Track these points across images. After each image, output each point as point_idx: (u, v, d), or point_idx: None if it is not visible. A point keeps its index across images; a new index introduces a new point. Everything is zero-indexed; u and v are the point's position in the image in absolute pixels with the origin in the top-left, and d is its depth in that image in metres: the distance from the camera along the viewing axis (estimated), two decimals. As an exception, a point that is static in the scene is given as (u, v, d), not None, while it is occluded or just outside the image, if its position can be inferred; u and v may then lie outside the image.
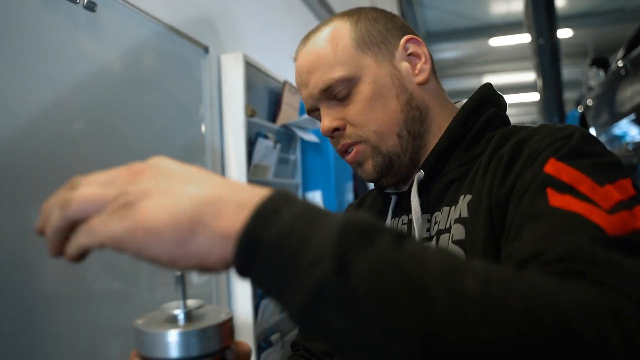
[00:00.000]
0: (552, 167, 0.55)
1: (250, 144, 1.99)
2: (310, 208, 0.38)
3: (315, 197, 2.59)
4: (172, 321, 0.51)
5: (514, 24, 8.71)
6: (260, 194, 0.38)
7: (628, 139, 4.72)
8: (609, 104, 5.21)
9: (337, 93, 0.74)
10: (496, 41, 10.04)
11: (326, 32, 0.75)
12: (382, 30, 0.76)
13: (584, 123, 6.05)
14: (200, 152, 1.83)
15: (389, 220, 0.78)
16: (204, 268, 0.38)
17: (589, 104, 5.88)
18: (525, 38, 6.83)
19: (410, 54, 0.77)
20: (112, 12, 1.39)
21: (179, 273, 0.52)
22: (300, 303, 0.34)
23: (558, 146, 0.57)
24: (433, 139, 0.76)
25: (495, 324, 0.33)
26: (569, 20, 8.73)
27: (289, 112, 2.38)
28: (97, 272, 1.28)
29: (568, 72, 10.57)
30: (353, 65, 0.73)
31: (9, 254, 1.04)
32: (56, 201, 0.42)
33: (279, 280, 0.35)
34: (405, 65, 0.76)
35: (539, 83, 6.54)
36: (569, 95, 10.85)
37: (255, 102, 2.11)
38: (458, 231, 0.65)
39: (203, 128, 1.85)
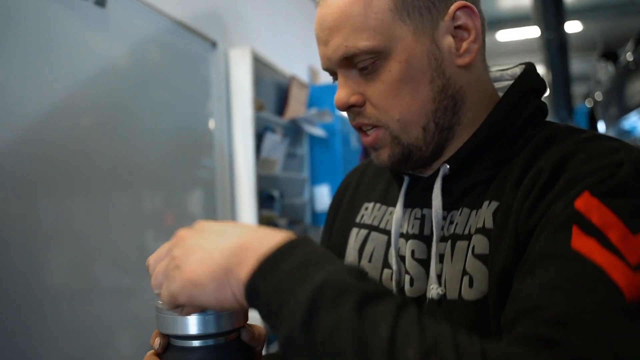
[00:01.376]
0: (584, 203, 0.49)
1: (258, 138, 2.01)
2: (305, 260, 0.44)
3: (323, 191, 2.60)
4: None
5: (522, 17, 8.66)
6: (274, 243, 0.45)
7: (637, 133, 4.71)
8: (618, 97, 5.19)
9: (359, 62, 0.61)
10: (503, 35, 10.01)
11: None
12: None
13: (592, 117, 6.03)
14: (208, 147, 1.85)
15: (399, 210, 0.68)
16: (241, 305, 0.46)
17: (598, 98, 5.85)
18: (533, 32, 6.78)
19: (458, 27, 0.62)
20: (122, 8, 1.40)
21: None
22: (281, 342, 0.43)
23: (601, 177, 0.50)
24: (463, 130, 0.65)
25: None
26: (578, 13, 8.67)
27: (297, 107, 2.39)
28: (105, 269, 1.30)
29: (577, 66, 10.51)
30: (385, 34, 0.60)
31: (20, 251, 1.06)
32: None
33: (271, 321, 0.43)
34: (448, 42, 0.61)
35: (547, 77, 6.50)
36: (577, 89, 10.79)
37: (262, 96, 2.12)
38: (481, 244, 0.58)
39: (211, 122, 1.86)
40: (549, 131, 0.61)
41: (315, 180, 2.65)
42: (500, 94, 0.67)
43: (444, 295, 0.60)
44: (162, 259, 0.51)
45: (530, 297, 0.45)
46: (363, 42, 0.59)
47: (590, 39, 9.90)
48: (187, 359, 0.54)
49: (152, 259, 0.52)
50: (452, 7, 0.60)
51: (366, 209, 0.75)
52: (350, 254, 0.73)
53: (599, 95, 5.79)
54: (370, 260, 0.70)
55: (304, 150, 2.58)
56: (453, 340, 0.40)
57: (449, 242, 0.62)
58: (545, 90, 0.68)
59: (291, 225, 2.26)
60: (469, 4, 0.61)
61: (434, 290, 0.61)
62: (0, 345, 1.00)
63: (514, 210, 0.55)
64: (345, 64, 0.61)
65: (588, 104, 6.27)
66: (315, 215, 2.65)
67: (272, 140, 2.04)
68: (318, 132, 2.52)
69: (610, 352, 0.39)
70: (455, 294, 0.59)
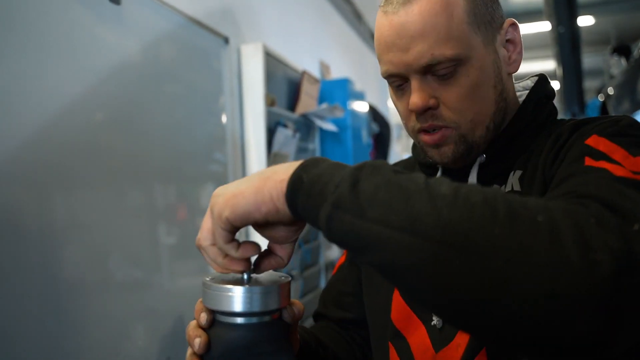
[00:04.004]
0: (593, 140, 0.59)
1: (270, 133, 2.03)
2: (339, 163, 0.50)
3: (334, 185, 2.62)
4: (238, 281, 0.56)
5: (534, 11, 8.60)
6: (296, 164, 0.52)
7: (650, 127, 4.68)
8: (630, 92, 5.15)
9: (442, 69, 0.66)
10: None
11: None
12: (488, 7, 0.69)
13: (604, 112, 5.98)
14: (221, 141, 1.87)
15: None
16: (277, 210, 0.51)
17: (610, 93, 5.80)
18: (545, 26, 6.73)
19: (508, 40, 0.72)
20: (136, 5, 1.42)
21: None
22: (326, 214, 0.46)
23: (604, 126, 0.61)
24: (500, 126, 0.73)
25: (459, 211, 0.42)
26: (591, 7, 8.59)
27: (308, 102, 2.41)
28: (119, 262, 1.32)
29: (589, 60, 10.40)
30: (466, 43, 0.66)
31: (36, 244, 1.09)
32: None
33: (314, 203, 0.48)
34: (503, 52, 0.71)
35: (559, 72, 6.46)
36: (590, 83, 10.69)
37: (274, 91, 2.14)
38: None
39: (224, 117, 1.89)
40: (570, 122, 0.69)
41: (326, 174, 2.67)
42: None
43: None
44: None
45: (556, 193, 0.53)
46: (449, 51, 0.65)
47: (604, 33, 9.80)
48: (231, 335, 0.57)
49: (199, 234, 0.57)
50: (506, 23, 0.71)
51: None
52: None
53: (611, 90, 5.74)
54: None
55: (315, 144, 2.60)
56: (481, 189, 0.45)
57: None
58: (554, 96, 0.77)
59: (302, 219, 2.28)
60: (515, 20, 0.72)
61: None
62: (17, 338, 1.02)
63: (539, 169, 0.65)
64: (425, 70, 0.67)
65: (600, 98, 6.22)
66: (326, 209, 2.67)
67: (284, 134, 2.06)
68: (329, 126, 2.54)
69: (629, 204, 0.46)
70: None
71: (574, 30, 5.87)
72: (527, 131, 0.72)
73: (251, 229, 0.58)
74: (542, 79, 0.77)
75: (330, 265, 2.77)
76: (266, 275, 0.61)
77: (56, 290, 1.12)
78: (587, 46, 9.81)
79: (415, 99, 0.67)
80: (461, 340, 0.67)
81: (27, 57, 1.08)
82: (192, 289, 1.61)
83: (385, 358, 0.76)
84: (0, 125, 1.03)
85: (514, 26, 0.72)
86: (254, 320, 0.58)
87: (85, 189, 1.23)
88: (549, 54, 8.06)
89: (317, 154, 2.61)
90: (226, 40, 1.90)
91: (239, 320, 0.57)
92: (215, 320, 0.60)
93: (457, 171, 0.74)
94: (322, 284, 2.60)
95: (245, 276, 0.58)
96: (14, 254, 1.03)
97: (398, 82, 0.70)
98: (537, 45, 10.60)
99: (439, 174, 0.76)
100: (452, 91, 0.67)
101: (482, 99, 0.69)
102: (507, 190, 0.68)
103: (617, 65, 5.61)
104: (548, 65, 10.55)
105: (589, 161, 0.56)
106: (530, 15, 8.91)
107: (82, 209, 1.22)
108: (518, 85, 0.79)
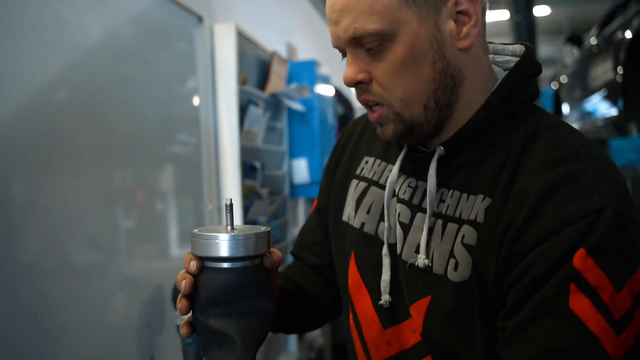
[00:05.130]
0: (581, 263, 0.57)
1: (242, 111, 2.10)
2: None
3: (301, 164, 2.71)
4: (222, 231, 0.64)
5: (493, 0, 8.82)
6: None
7: (598, 114, 4.92)
8: (581, 81, 5.39)
9: (367, 43, 0.65)
10: (475, 17, 10.14)
11: None
12: None
13: (557, 99, 6.24)
14: (194, 120, 1.93)
15: (395, 172, 0.75)
16: None
17: (563, 81, 6.06)
18: (503, 14, 6.94)
19: (460, 12, 0.66)
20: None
21: (228, 201, 0.65)
22: None
23: (584, 227, 0.58)
24: (462, 108, 0.70)
25: None
26: (547, -3, 8.85)
27: (277, 82, 2.48)
28: (77, 246, 1.29)
29: (544, 49, 10.74)
30: (392, 18, 0.64)
31: None
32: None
33: None
34: (450, 26, 0.66)
35: (515, 60, 6.69)
36: (544, 73, 11.02)
37: (245, 71, 2.20)
38: (470, 236, 0.66)
39: (197, 96, 1.94)
40: (534, 126, 0.67)
41: (293, 153, 2.75)
42: (498, 68, 0.73)
43: (431, 267, 0.69)
44: None
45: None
46: (370, 25, 0.64)
47: (558, 23, 10.12)
48: (219, 279, 0.65)
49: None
50: None
51: (366, 162, 0.84)
52: (349, 204, 0.83)
53: (564, 78, 5.99)
54: (368, 212, 0.80)
55: (283, 124, 2.68)
56: None
57: (440, 221, 0.70)
58: (540, 72, 0.73)
59: (272, 195, 2.37)
60: None
61: (421, 260, 0.70)
62: None
63: (500, 224, 0.63)
64: (353, 43, 0.66)
65: (554, 86, 6.48)
66: (293, 187, 2.76)
67: (255, 113, 2.14)
68: (297, 106, 2.62)
69: None
70: (441, 270, 0.69)
71: (531, 19, 6.08)
72: (492, 124, 0.69)
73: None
74: (526, 53, 0.72)
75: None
76: (248, 227, 0.69)
77: (14, 276, 1.09)
78: (543, 36, 10.13)
79: (346, 72, 0.68)
80: (416, 325, 0.71)
81: None
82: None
83: (347, 318, 0.83)
84: None
85: None
86: (238, 264, 0.66)
87: (48, 171, 1.21)
88: (507, 42, 8.29)
89: (285, 132, 2.70)
90: (200, 20, 1.95)
91: (225, 265, 0.66)
92: (204, 267, 0.68)
93: (420, 159, 0.73)
94: (289, 259, 2.70)
95: (229, 227, 0.67)
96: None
97: (342, 55, 0.70)
98: (495, 33, 10.87)
99: (404, 151, 0.75)
100: (380, 67, 0.66)
101: (414, 76, 0.66)
102: (471, 217, 0.66)
103: (570, 55, 5.86)
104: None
105: (573, 296, 0.56)
106: (490, 3, 9.13)
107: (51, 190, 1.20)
108: (507, 49, 0.75)
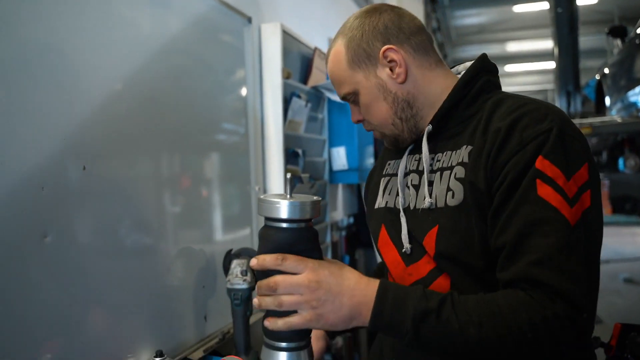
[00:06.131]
0: (540, 164, 0.84)
1: (286, 103, 2.30)
2: (396, 299, 0.84)
3: (340, 152, 2.90)
4: (283, 198, 0.84)
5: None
6: (372, 297, 0.85)
7: (639, 105, 4.90)
8: (625, 72, 5.34)
9: (350, 100, 1.04)
10: (520, 7, 10.03)
11: (332, 52, 1.03)
12: (365, 48, 0.99)
13: (600, 90, 6.19)
14: (242, 111, 2.15)
15: (405, 157, 1.06)
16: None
17: (606, 72, 6.00)
18: (545, 5, 6.88)
19: (389, 61, 0.99)
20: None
21: (288, 175, 0.86)
22: (405, 344, 0.84)
23: (541, 141, 0.84)
24: (429, 110, 1.01)
25: (485, 342, 0.81)
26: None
27: (318, 75, 2.68)
28: (128, 229, 1.42)
29: (592, 39, 10.50)
30: (351, 82, 1.02)
31: (52, 216, 1.17)
32: (270, 299, 0.85)
33: (393, 336, 0.87)
34: (386, 72, 1.00)
35: (556, 51, 6.64)
36: (593, 63, 10.78)
37: (289, 66, 2.41)
38: (460, 172, 0.93)
39: (245, 89, 2.16)
40: (498, 98, 0.96)
41: (333, 142, 2.94)
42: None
43: (435, 205, 0.96)
44: (291, 291, 0.83)
45: (517, 238, 0.83)
46: (343, 90, 1.04)
47: (607, 12, 9.86)
48: (278, 235, 0.84)
49: (281, 281, 0.83)
50: (380, 53, 0.98)
51: (389, 164, 1.16)
52: (380, 195, 1.13)
53: (607, 69, 5.93)
54: (389, 193, 1.10)
55: (324, 114, 2.87)
56: (492, 312, 0.82)
57: (438, 172, 0.98)
58: (495, 70, 1.04)
59: (312, 179, 2.57)
60: (391, 46, 0.98)
61: (426, 202, 0.97)
62: (35, 304, 1.13)
63: (484, 152, 0.89)
64: (345, 100, 1.06)
65: (597, 77, 6.42)
66: (332, 173, 2.95)
67: (298, 104, 2.34)
68: (337, 98, 2.81)
69: (572, 278, 0.80)
70: (442, 203, 0.95)
71: (573, 10, 6.04)
72: (463, 102, 0.98)
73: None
74: (479, 58, 1.02)
75: (334, 224, 3.07)
76: (303, 196, 0.88)
77: (66, 256, 1.20)
78: (590, 25, 9.91)
79: (352, 117, 1.08)
80: (428, 260, 0.98)
81: (65, 34, 1.21)
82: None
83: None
84: (32, 97, 1.12)
85: (390, 50, 0.98)
86: (294, 225, 0.85)
87: (130, 157, 1.38)
88: (548, 33, 8.21)
89: (325, 123, 2.90)
90: (249, 20, 2.16)
91: (284, 225, 0.85)
92: (266, 225, 0.87)
93: (416, 144, 1.05)
94: (328, 239, 2.90)
95: (288, 195, 0.86)
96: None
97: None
98: (540, 24, 10.70)
99: (409, 148, 1.08)
100: (361, 109, 1.04)
101: (377, 110, 1.02)
102: (459, 160, 0.94)
103: (618, 46, 5.80)
104: (547, 44, 10.66)
105: (540, 187, 0.83)
106: (534, -6, 8.99)
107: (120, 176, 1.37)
108: (463, 66, 1.07)
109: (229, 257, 1.72)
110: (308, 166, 2.57)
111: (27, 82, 1.12)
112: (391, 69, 0.99)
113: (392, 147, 1.09)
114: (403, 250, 1.01)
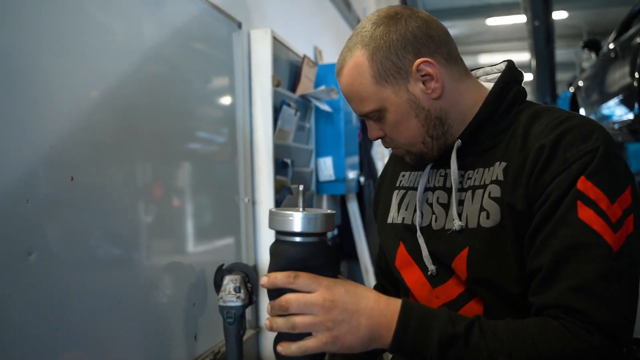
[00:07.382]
0: (582, 185, 0.78)
1: (275, 111, 2.23)
2: (421, 321, 0.77)
3: (327, 162, 2.84)
4: (297, 211, 0.77)
5: (512, 4, 8.87)
6: (393, 317, 0.77)
7: (615, 118, 4.98)
8: (598, 85, 5.43)
9: (371, 116, 0.91)
10: (493, 21, 10.21)
11: (351, 65, 0.89)
12: (395, 61, 0.87)
13: (574, 103, 6.29)
14: (231, 119, 2.07)
15: (427, 171, 0.97)
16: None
17: (580, 85, 6.11)
18: (522, 18, 7.01)
19: (423, 75, 0.88)
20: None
21: (301, 187, 0.79)
22: None
23: (586, 162, 0.78)
24: (458, 127, 0.92)
25: None
26: (565, 2, 8.89)
27: (307, 84, 2.62)
28: (99, 239, 1.30)
29: (562, 53, 10.75)
30: (376, 99, 0.89)
31: (11, 223, 1.04)
32: (282, 321, 0.78)
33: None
34: (420, 87, 0.88)
35: (533, 64, 6.75)
36: (562, 76, 11.04)
37: (278, 73, 2.34)
38: (495, 190, 0.85)
39: (233, 97, 2.08)
40: (534, 110, 0.88)
41: (319, 152, 2.88)
42: (491, 84, 0.95)
43: (466, 225, 0.89)
44: (304, 311, 0.76)
45: (554, 263, 0.77)
46: (366, 107, 0.91)
47: (576, 27, 10.12)
48: (291, 251, 0.78)
49: (293, 300, 0.76)
50: (414, 67, 0.87)
51: (403, 175, 1.06)
52: (393, 209, 1.04)
53: (581, 82, 6.04)
54: (406, 209, 1.01)
55: (311, 123, 2.81)
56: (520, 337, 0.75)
57: (470, 192, 0.90)
58: (522, 79, 0.95)
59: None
60: (426, 59, 0.87)
61: (456, 224, 0.89)
62: (18, 329, 1.03)
63: (525, 171, 0.82)
64: (364, 117, 0.93)
65: (571, 90, 6.53)
66: (319, 184, 2.89)
67: (288, 112, 2.27)
68: (325, 107, 2.75)
69: (612, 309, 0.74)
70: (474, 224, 0.88)
71: (549, 24, 6.15)
72: (495, 115, 0.90)
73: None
74: (508, 66, 0.94)
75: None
76: (317, 209, 0.82)
77: (34, 269, 1.08)
78: (561, 40, 10.16)
79: (370, 134, 0.95)
80: (457, 282, 0.91)
81: (63, 38, 1.16)
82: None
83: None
84: (36, 111, 1.08)
85: (426, 64, 0.87)
86: (309, 239, 0.79)
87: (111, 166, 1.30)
88: (525, 46, 8.37)
89: (312, 132, 2.83)
90: (239, 25, 2.09)
91: (298, 239, 0.78)
92: (278, 240, 0.81)
93: (440, 158, 0.96)
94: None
95: (301, 208, 0.80)
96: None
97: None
98: (514, 37, 10.90)
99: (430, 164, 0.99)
100: (385, 128, 0.93)
101: (407, 129, 0.91)
102: (493, 178, 0.86)
103: (588, 59, 5.91)
104: (524, 57, 10.88)
105: (581, 210, 0.77)
106: (508, 7, 9.18)
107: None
108: (495, 68, 0.99)
109: (220, 272, 1.63)
110: (296, 176, 2.50)
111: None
112: (424, 83, 0.89)
113: (415, 163, 0.99)
114: (429, 272, 0.94)
